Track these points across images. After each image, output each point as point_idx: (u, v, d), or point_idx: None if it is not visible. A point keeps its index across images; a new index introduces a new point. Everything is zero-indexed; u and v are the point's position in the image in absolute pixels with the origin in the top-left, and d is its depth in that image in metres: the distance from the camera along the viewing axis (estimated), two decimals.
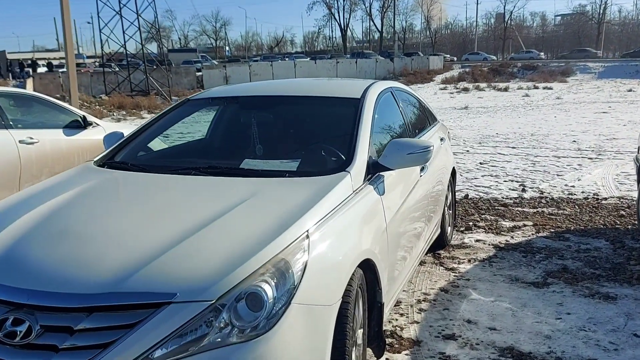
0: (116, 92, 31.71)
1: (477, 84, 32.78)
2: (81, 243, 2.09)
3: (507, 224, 5.46)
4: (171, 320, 1.76)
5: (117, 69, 36.90)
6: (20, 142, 5.70)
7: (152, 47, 62.77)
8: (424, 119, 4.51)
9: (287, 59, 54.36)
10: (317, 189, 2.43)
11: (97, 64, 47.69)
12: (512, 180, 7.63)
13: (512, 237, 5.01)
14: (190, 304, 1.78)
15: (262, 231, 2.08)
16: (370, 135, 2.95)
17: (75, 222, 2.30)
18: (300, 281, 1.96)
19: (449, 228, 4.85)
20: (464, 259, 4.46)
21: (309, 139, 3.24)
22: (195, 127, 5.56)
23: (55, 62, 48.01)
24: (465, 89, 30.32)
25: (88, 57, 65.83)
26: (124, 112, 23.13)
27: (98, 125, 6.53)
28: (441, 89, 31.36)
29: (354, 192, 2.57)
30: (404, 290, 3.71)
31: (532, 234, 5.09)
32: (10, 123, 5.78)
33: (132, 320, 1.78)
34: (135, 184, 2.68)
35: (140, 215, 2.30)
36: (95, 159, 3.16)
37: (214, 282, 1.83)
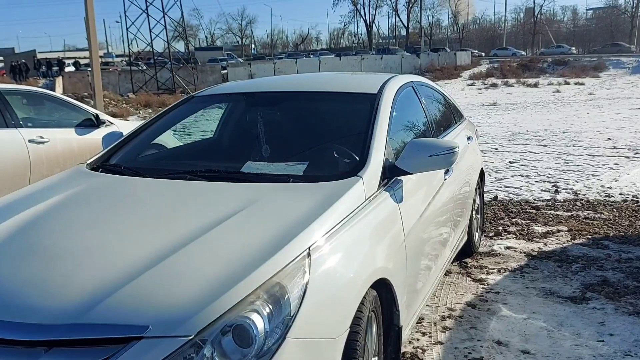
0: (143, 90, 31.96)
1: (505, 79, 32.08)
2: (49, 261, 1.83)
3: (540, 229, 5.07)
4: (142, 358, 1.48)
5: (144, 68, 37.24)
6: (29, 141, 5.53)
7: (180, 46, 63.27)
8: (449, 116, 4.17)
9: (312, 56, 54.08)
10: (323, 197, 2.13)
11: (125, 62, 48.21)
12: (544, 181, 7.21)
13: (545, 244, 4.63)
14: (164, 339, 1.50)
15: (256, 248, 1.78)
16: (387, 135, 2.63)
17: (49, 235, 2.03)
18: (298, 310, 1.66)
19: (477, 234, 4.50)
20: (493, 269, 4.11)
21: (319, 139, 2.93)
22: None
23: (84, 61, 48.61)
24: (494, 85, 29.66)
25: (117, 56, 66.68)
26: (150, 110, 23.15)
27: (112, 123, 6.34)
28: (469, 85, 30.75)
29: (366, 199, 2.26)
30: (427, 305, 3.39)
31: (567, 241, 4.70)
32: (20, 122, 5.61)
33: (97, 357, 1.50)
34: (123, 191, 2.41)
35: (121, 228, 2.02)
36: (88, 161, 2.91)
37: (194, 312, 1.54)
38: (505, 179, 7.42)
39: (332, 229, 1.97)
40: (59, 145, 5.77)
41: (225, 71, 38.59)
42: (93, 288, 1.64)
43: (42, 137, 5.63)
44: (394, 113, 2.88)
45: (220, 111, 3.84)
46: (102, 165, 2.83)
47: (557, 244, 4.65)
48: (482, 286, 3.79)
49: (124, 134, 3.21)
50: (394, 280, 2.22)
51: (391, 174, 2.50)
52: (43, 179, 2.77)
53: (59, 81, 33.04)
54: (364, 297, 1.95)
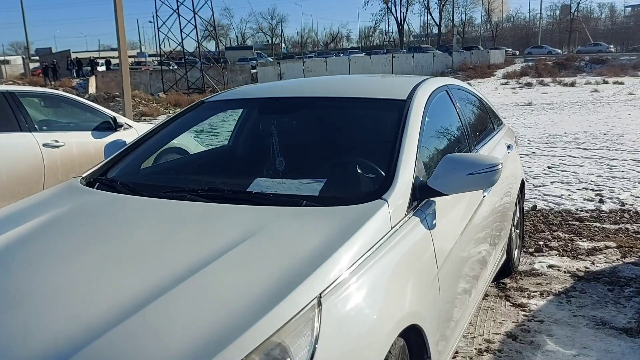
0: (173, 89, 32.09)
1: (541, 78, 31.18)
2: (8, 308, 1.53)
3: (585, 244, 4.64)
4: None
5: (175, 67, 37.50)
6: (44, 145, 5.34)
7: (211, 46, 63.80)
8: (487, 122, 3.78)
9: (342, 54, 53.68)
10: (340, 226, 1.79)
11: (156, 62, 48.69)
12: (586, 189, 6.72)
13: (592, 263, 4.19)
14: None
15: (254, 296, 1.45)
16: (417, 149, 2.27)
17: (14, 273, 1.73)
18: None
19: (516, 251, 4.09)
20: (535, 292, 3.70)
21: (339, 152, 2.58)
22: None
23: (116, 61, 49.19)
24: (529, 84, 28.82)
25: (150, 56, 67.54)
26: (179, 110, 23.13)
27: (130, 127, 6.12)
28: (502, 84, 29.94)
29: (392, 228, 1.91)
30: (462, 336, 3.01)
31: (617, 259, 4.26)
32: (35, 126, 5.43)
33: None
34: (112, 215, 2.10)
35: (99, 265, 1.71)
36: (83, 175, 2.63)
37: None
38: (544, 186, 6.96)
39: (349, 268, 1.62)
40: (74, 149, 5.57)
41: (255, 70, 38.57)
42: (54, 344, 1.34)
43: (57, 141, 5.44)
44: (426, 121, 2.52)
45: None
46: (99, 179, 2.55)
47: (605, 262, 4.21)
48: (523, 313, 3.40)
49: (126, 143, 2.93)
50: (426, 324, 1.87)
51: (422, 195, 2.14)
52: (31, 195, 2.49)
53: (92, 81, 33.49)
54: (389, 351, 1.60)
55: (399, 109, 2.49)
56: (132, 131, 6.03)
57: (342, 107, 2.77)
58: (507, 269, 3.88)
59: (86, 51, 76.29)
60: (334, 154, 2.57)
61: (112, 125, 5.93)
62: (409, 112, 2.44)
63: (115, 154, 2.78)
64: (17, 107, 5.29)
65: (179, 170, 2.98)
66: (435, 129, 2.74)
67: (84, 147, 5.67)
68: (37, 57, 56.98)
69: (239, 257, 1.63)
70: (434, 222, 2.13)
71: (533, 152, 9.53)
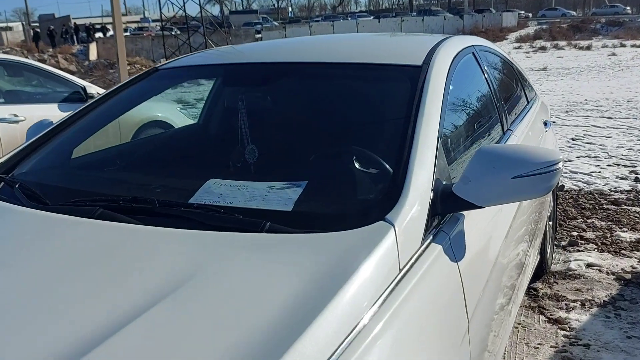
0: (175, 55, 31.21)
1: (555, 42, 30.00)
2: None
3: (627, 235, 3.94)
4: None
5: (178, 32, 36.64)
6: (0, 120, 4.67)
7: (215, 10, 62.41)
8: (521, 94, 3.04)
9: (349, 18, 52.25)
10: (321, 274, 1.10)
11: (158, 27, 47.58)
12: (617, 165, 5.99)
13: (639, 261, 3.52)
14: None
15: None
16: (437, 138, 1.57)
17: None
18: None
19: (549, 247, 3.40)
20: (575, 301, 3.03)
21: (325, 142, 1.86)
22: None
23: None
24: (543, 48, 27.69)
25: (154, 21, 66.16)
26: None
27: None
28: (515, 48, 28.78)
29: (401, 270, 1.21)
30: None
31: None
32: None
33: None
34: None
35: None
36: None
37: None
38: (570, 161, 6.24)
39: (335, 352, 0.95)
40: None
41: (260, 35, 37.53)
42: None
43: (16, 116, 4.77)
44: (449, 96, 1.80)
45: None
46: (2, 177, 1.86)
47: None
48: (563, 332, 2.73)
49: (53, 123, 2.24)
50: None
51: (445, 208, 1.44)
52: None
53: (92, 47, 32.70)
54: None
55: (412, 79, 1.76)
56: None
57: (335, 76, 2.02)
58: (538, 271, 3.21)
59: (90, 17, 74.97)
60: (318, 144, 1.85)
61: (82, 96, 5.24)
62: (426, 84, 1.71)
63: (33, 140, 2.09)
64: None
65: (116, 162, 2.25)
66: (461, 106, 2.01)
67: None
68: (37, 24, 55.84)
69: (147, 335, 0.95)
70: (463, 249, 1.44)
71: (553, 122, 8.73)
